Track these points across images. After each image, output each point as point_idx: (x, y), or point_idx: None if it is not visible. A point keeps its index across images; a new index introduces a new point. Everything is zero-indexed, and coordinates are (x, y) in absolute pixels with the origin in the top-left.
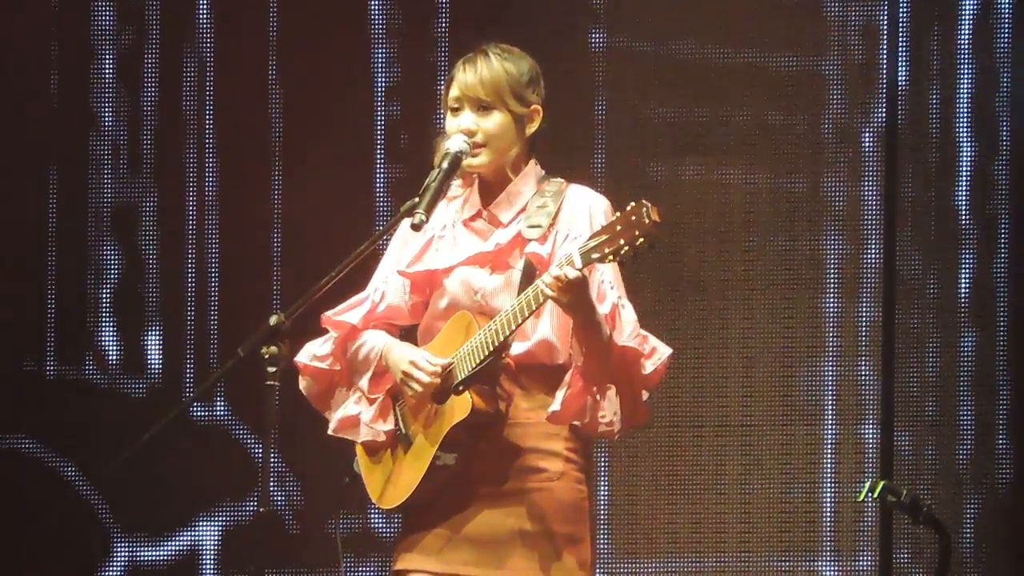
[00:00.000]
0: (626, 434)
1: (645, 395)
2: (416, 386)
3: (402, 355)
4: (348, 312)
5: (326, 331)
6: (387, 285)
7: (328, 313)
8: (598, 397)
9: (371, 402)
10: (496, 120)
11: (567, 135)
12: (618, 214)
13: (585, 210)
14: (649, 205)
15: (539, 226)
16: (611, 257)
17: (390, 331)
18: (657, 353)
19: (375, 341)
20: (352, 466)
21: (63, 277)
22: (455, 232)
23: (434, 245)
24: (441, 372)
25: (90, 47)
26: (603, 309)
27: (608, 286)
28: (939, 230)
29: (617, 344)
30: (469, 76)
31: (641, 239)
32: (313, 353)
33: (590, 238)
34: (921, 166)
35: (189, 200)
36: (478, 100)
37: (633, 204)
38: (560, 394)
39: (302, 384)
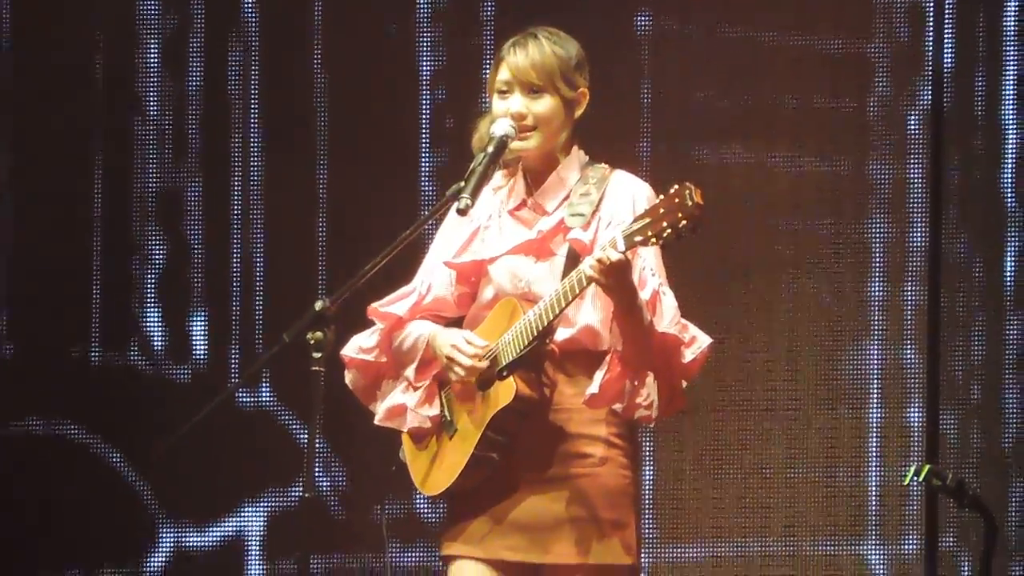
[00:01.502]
0: (671, 419)
1: (684, 384)
2: (459, 370)
3: (445, 339)
4: (395, 304)
5: (371, 320)
6: (433, 277)
7: (375, 305)
8: (636, 382)
9: (417, 389)
10: (547, 103)
11: (612, 119)
12: (661, 197)
13: (628, 197)
14: (692, 187)
15: (582, 215)
16: (654, 240)
17: (437, 322)
18: (697, 342)
19: (421, 330)
20: (398, 454)
21: (108, 263)
22: (501, 222)
23: (480, 235)
24: (483, 354)
25: (135, 32)
26: (644, 295)
27: (650, 272)
28: (985, 213)
29: (657, 331)
30: (520, 59)
31: (684, 221)
32: (359, 346)
33: (634, 221)
34: (967, 149)
35: (234, 185)
36: (529, 83)
37: (676, 186)
38: (598, 377)
39: (348, 378)
